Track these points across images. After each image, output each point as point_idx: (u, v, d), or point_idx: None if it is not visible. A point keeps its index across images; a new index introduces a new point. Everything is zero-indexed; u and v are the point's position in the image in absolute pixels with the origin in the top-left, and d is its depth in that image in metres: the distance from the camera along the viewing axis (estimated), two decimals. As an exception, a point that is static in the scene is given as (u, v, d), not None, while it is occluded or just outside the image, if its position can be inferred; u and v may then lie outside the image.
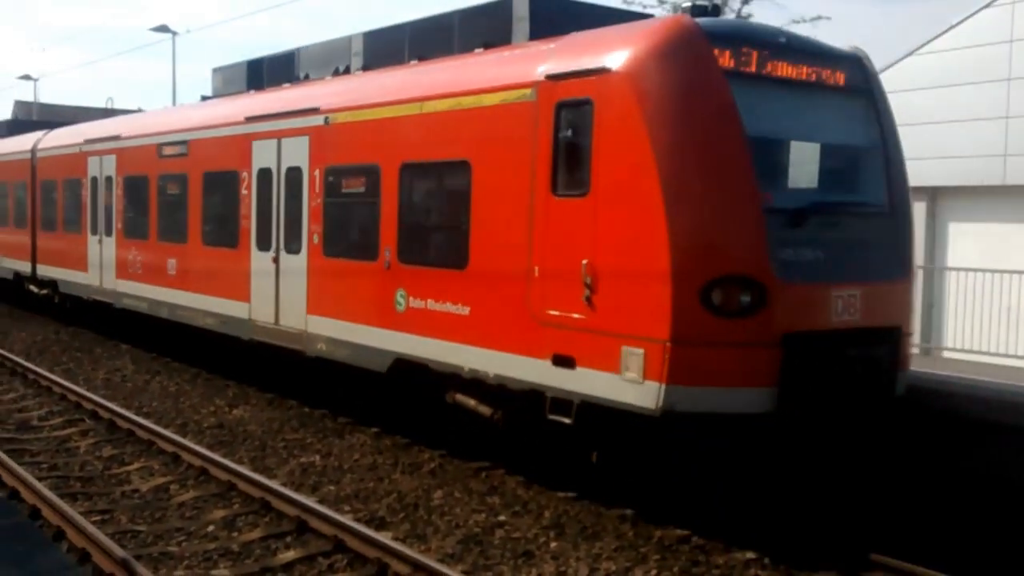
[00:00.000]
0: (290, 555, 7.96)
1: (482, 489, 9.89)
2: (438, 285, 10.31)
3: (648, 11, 24.35)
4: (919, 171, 19.06)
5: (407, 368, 10.78)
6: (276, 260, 13.09)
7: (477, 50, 10.81)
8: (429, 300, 10.41)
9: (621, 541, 8.48)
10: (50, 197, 21.55)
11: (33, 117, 48.06)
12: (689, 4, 9.15)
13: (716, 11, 9.37)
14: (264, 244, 13.39)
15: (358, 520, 8.63)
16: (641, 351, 8.07)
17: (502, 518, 9.01)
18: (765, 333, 8.03)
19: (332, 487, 9.87)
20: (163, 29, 33.10)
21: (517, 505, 9.40)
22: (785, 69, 8.86)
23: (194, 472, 10.24)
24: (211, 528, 8.63)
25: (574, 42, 9.26)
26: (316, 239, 12.30)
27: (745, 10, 26.40)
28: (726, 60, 8.43)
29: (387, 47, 12.41)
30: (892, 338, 8.93)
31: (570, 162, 8.79)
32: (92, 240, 18.97)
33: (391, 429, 12.08)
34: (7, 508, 7.76)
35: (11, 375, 15.70)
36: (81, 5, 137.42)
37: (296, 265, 12.66)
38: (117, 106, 60.04)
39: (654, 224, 8.01)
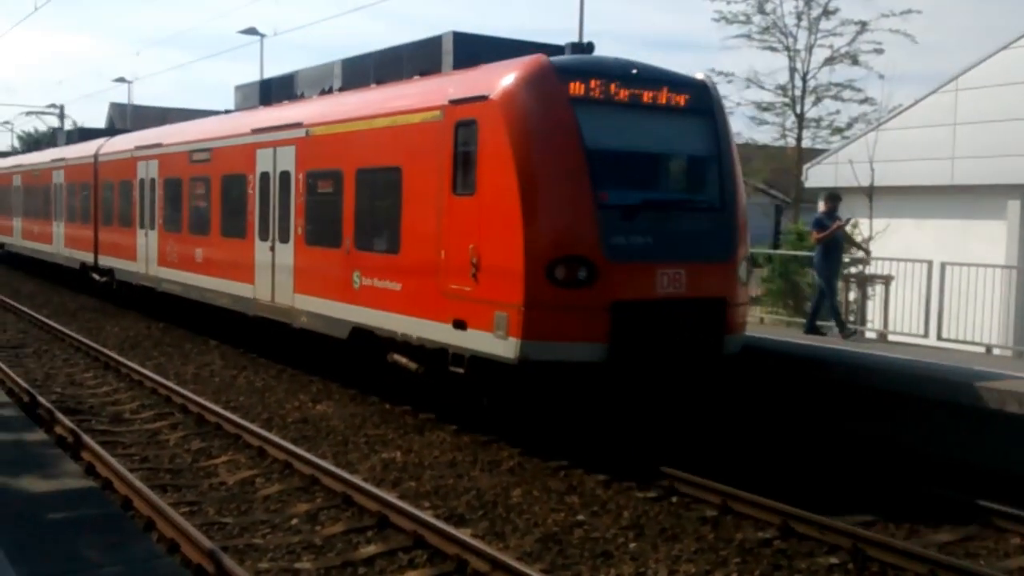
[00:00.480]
0: (371, 549, 8.08)
1: (561, 488, 9.91)
2: (380, 267, 12.82)
3: None
4: (1012, 168, 18.68)
5: (361, 335, 13.25)
6: (272, 249, 15.65)
7: (415, 77, 13.23)
8: (375, 279, 12.94)
9: (701, 543, 8.43)
10: (109, 196, 24.22)
11: (127, 118, 49.44)
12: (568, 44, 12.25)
13: (591, 48, 12.26)
14: (264, 235, 15.95)
15: (438, 516, 8.71)
16: (506, 314, 10.42)
17: (581, 517, 9.02)
18: (597, 301, 10.32)
19: (412, 483, 9.99)
20: (251, 32, 33.78)
21: (596, 505, 9.40)
22: (628, 94, 11.11)
23: (279, 466, 10.44)
24: (295, 521, 8.79)
25: (470, 75, 11.70)
26: (300, 231, 14.84)
27: (833, 4, 26.00)
28: (575, 89, 10.72)
29: (358, 72, 14.92)
30: (717, 307, 11.12)
31: (464, 169, 11.14)
32: (140, 233, 21.73)
33: (470, 427, 12.19)
34: (101, 498, 7.99)
35: (105, 369, 16.19)
36: (174, 9, 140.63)
37: (286, 253, 15.25)
38: (209, 107, 61.02)
39: (513, 217, 10.37)
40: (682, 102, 11.58)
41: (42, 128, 72.58)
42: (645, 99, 11.30)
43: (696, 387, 11.53)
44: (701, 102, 11.77)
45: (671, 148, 11.85)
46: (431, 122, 11.81)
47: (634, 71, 11.33)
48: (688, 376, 11.22)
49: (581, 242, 10.39)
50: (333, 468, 9.91)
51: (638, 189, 11.15)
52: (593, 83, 10.91)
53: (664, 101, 11.44)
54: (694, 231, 11.29)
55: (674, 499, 9.65)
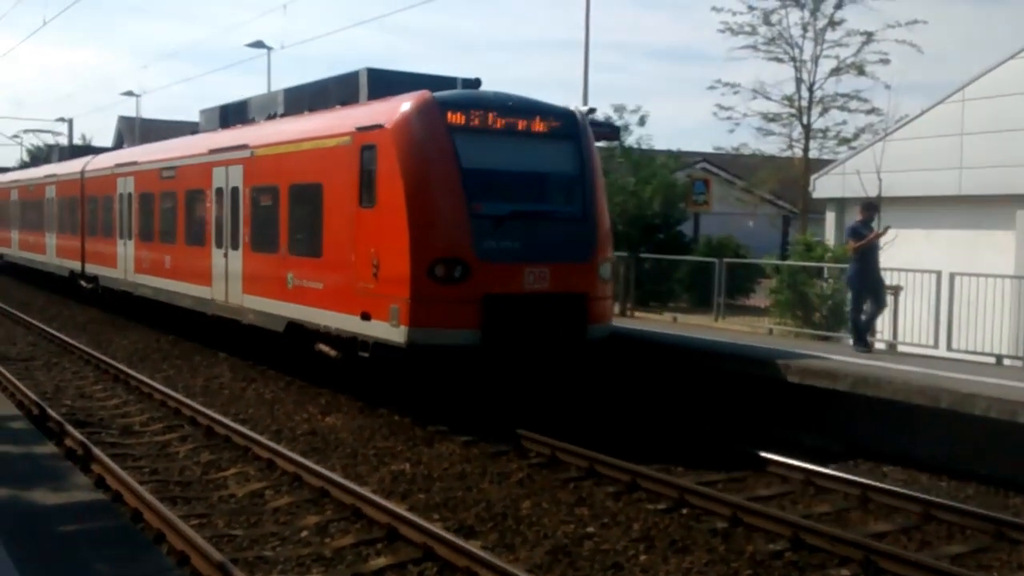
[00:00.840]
0: (381, 562, 8.06)
1: (571, 500, 9.89)
2: (308, 269, 14.85)
3: None
4: (1021, 178, 18.63)
5: (294, 328, 15.23)
6: (226, 255, 17.68)
7: (337, 107, 15.19)
8: (303, 280, 14.95)
9: (712, 555, 8.40)
10: (94, 209, 26.37)
11: (136, 131, 49.61)
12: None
13: (477, 83, 14.83)
14: (219, 243, 17.99)
15: (447, 528, 8.70)
16: (397, 307, 12.37)
17: (591, 529, 8.99)
18: (470, 294, 12.27)
19: (422, 495, 9.97)
20: (258, 45, 33.87)
21: (606, 517, 9.37)
22: (503, 123, 13.06)
23: (288, 478, 10.44)
24: (304, 533, 8.78)
25: (373, 107, 13.84)
26: (247, 239, 16.91)
27: (838, 15, 25.93)
28: (453, 119, 12.69)
29: (297, 101, 17.04)
30: (579, 300, 13.01)
31: (367, 185, 13.14)
32: (119, 243, 23.88)
33: (480, 438, 12.17)
34: (110, 511, 8.00)
35: (114, 381, 16.21)
36: (181, 23, 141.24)
37: (237, 259, 17.30)
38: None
39: (401, 225, 12.35)
40: (551, 129, 13.55)
41: (50, 142, 72.80)
42: (519, 127, 13.28)
43: (562, 368, 13.39)
44: (568, 129, 13.68)
45: (539, 167, 13.66)
46: (343, 146, 13.82)
47: (509, 103, 13.35)
48: (554, 358, 13.09)
49: (456, 245, 12.43)
50: (342, 480, 9.90)
51: (508, 202, 12.99)
52: (471, 113, 12.92)
53: (535, 128, 13.39)
54: (558, 237, 13.21)
55: (684, 511, 9.61)
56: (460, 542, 8.12)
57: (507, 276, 12.58)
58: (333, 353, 14.26)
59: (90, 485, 8.84)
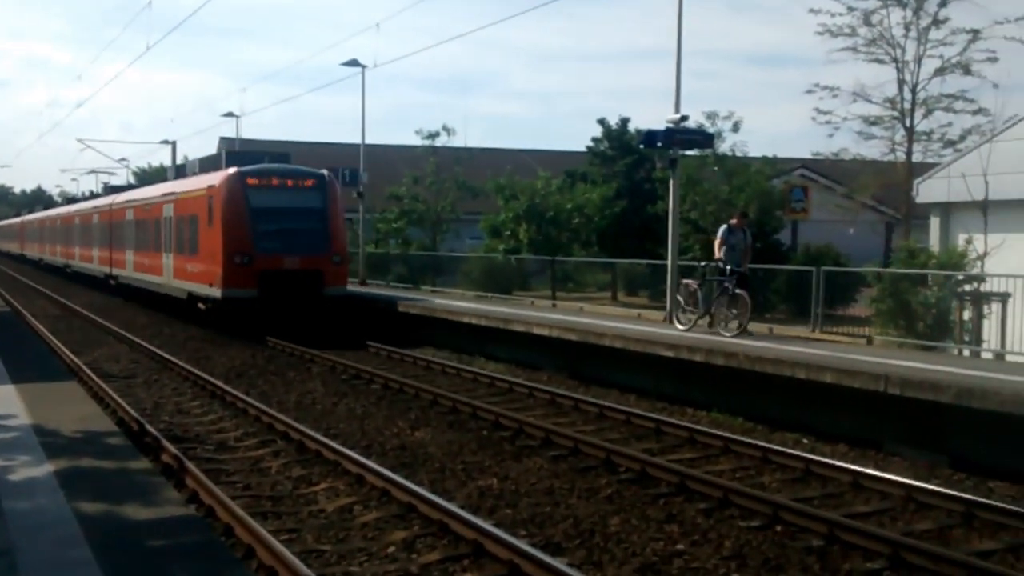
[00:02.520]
0: (466, 579, 7.98)
1: (660, 516, 9.67)
2: (192, 262, 26.56)
3: None
4: None
5: (188, 296, 27.11)
6: (168, 256, 29.59)
7: (210, 171, 27.30)
8: (191, 268, 26.78)
9: (807, 574, 8.11)
10: (117, 230, 38.72)
11: (236, 151, 50.81)
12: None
13: (287, 157, 28.43)
14: (167, 250, 29.72)
15: (534, 545, 8.57)
16: (219, 277, 24.27)
17: (680, 547, 8.77)
18: (253, 271, 23.80)
19: (509, 511, 9.87)
20: (353, 63, 34.25)
21: (696, 534, 9.14)
22: (278, 181, 25.29)
23: (376, 493, 10.44)
24: (391, 549, 8.75)
25: (214, 174, 25.87)
26: (174, 246, 28.83)
27: (943, 13, 25.11)
28: (250, 180, 24.79)
29: (201, 166, 30.85)
30: (318, 274, 24.41)
31: (210, 215, 25.18)
32: (128, 253, 36.19)
33: (567, 453, 12.02)
34: (200, 526, 8.08)
35: (211, 397, 16.53)
36: (278, 46, 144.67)
37: (170, 258, 29.31)
38: (315, 139, 62.87)
39: (219, 236, 24.31)
40: (310, 183, 25.71)
41: (155, 164, 75.17)
42: (288, 183, 25.57)
43: (310, 312, 24.92)
44: (319, 183, 25.78)
45: (298, 204, 25.39)
46: (203, 194, 26.20)
47: (283, 170, 26.09)
48: (303, 306, 24.70)
49: (245, 246, 24.24)
50: (430, 495, 9.85)
51: (276, 223, 24.77)
52: (259, 177, 25.19)
53: (297, 184, 25.70)
54: (306, 240, 24.89)
55: (778, 528, 9.32)
56: (547, 559, 7.98)
57: (274, 261, 24.28)
58: (202, 307, 26.22)
59: (181, 500, 8.95)
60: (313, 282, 24.36)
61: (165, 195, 30.97)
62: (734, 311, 17.60)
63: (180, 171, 37.50)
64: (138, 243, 34.07)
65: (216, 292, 24.48)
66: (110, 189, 53.39)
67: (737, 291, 17.51)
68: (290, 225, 24.79)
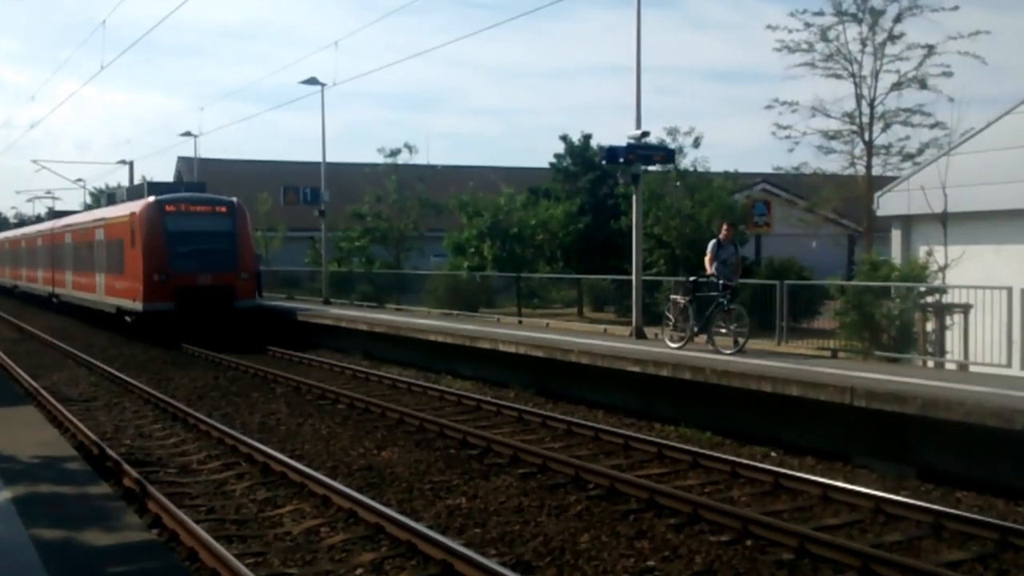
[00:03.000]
0: (436, 600, 7.86)
1: (630, 533, 9.61)
2: (119, 280, 30.13)
3: None
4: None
5: (117, 310, 30.23)
6: (100, 275, 33.00)
7: (136, 199, 30.58)
8: (119, 285, 30.35)
9: (778, 588, 8.06)
10: (59, 253, 41.99)
11: (194, 172, 50.45)
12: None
13: (202, 187, 34.22)
14: (99, 269, 33.34)
15: (504, 564, 8.47)
16: (140, 294, 27.84)
17: (651, 563, 8.70)
18: (170, 287, 27.44)
19: (478, 530, 9.77)
20: (312, 82, 34.10)
21: (667, 550, 9.08)
22: (194, 208, 29.25)
23: (343, 514, 10.29)
24: (359, 571, 8.61)
25: (137, 202, 30.09)
26: (105, 266, 32.27)
27: (897, 28, 25.42)
28: (168, 208, 28.55)
29: (129, 194, 35.46)
30: (229, 288, 28.20)
31: (132, 238, 28.92)
32: (67, 273, 39.78)
33: (536, 471, 11.93)
34: (162, 551, 7.92)
35: (173, 420, 16.28)
36: (236, 65, 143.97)
37: (103, 277, 32.72)
38: (273, 157, 62.65)
39: (140, 257, 27.98)
40: (219, 210, 29.23)
41: (112, 184, 74.61)
42: (200, 209, 29.12)
43: (222, 321, 28.21)
44: (229, 209, 29.29)
45: (209, 228, 28.73)
46: (127, 220, 29.73)
47: (196, 198, 29.97)
48: (215, 317, 27.98)
49: (163, 265, 27.46)
50: (398, 516, 9.73)
51: (190, 244, 27.90)
52: (175, 205, 28.67)
53: (209, 210, 29.28)
54: (217, 259, 28.19)
55: (748, 542, 9.28)
56: (516, 578, 7.89)
57: (189, 278, 27.69)
58: (128, 319, 29.56)
59: (143, 525, 8.77)
60: (224, 296, 28.26)
61: (96, 220, 35.04)
62: (732, 327, 17.00)
63: (111, 199, 39.71)
64: (75, 264, 37.98)
65: (139, 306, 28.10)
66: (53, 214, 56.24)
67: (733, 306, 17.08)
68: (203, 246, 28.28)
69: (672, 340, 18.08)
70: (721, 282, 17.09)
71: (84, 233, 36.53)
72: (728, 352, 16.52)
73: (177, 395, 18.66)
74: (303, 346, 27.17)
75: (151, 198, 29.12)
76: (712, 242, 17.74)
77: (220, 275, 28.20)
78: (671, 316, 18.44)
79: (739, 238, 29.28)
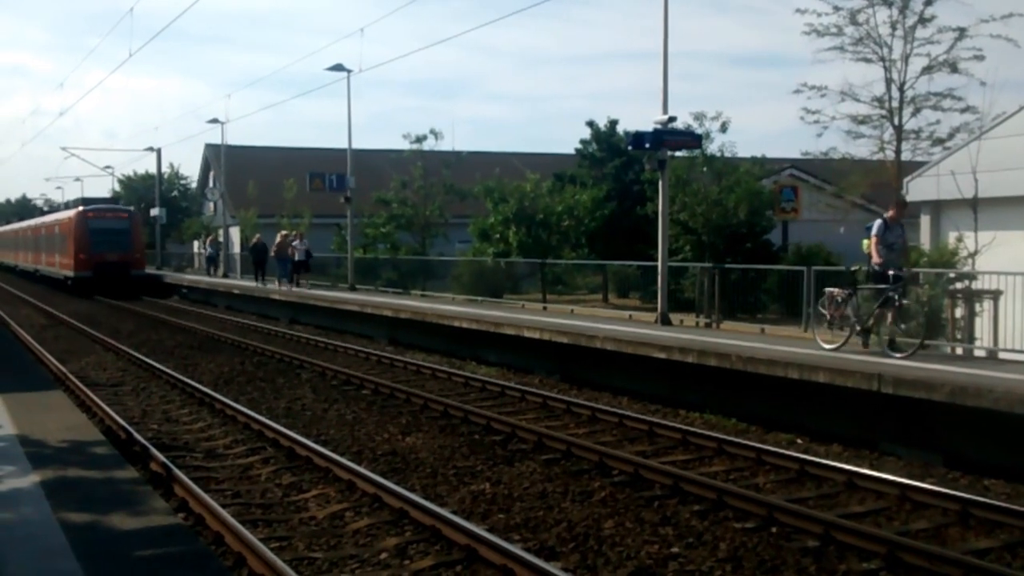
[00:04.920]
0: (459, 585, 7.87)
1: (655, 519, 9.58)
2: (63, 259, 51.11)
3: None
4: None
5: (64, 278, 50.86)
6: (55, 256, 53.47)
7: (79, 208, 50.57)
8: (62, 260, 51.55)
9: (803, 575, 8.02)
10: (40, 241, 59.91)
11: (221, 159, 50.66)
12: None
13: (116, 201, 62.52)
14: (54, 252, 53.90)
15: (528, 550, 8.47)
16: (72, 266, 48.73)
17: (675, 550, 8.68)
18: (90, 262, 47.40)
19: (502, 515, 9.77)
20: (338, 68, 34.13)
21: (691, 536, 9.05)
22: (106, 215, 49.61)
23: (368, 499, 10.33)
24: (383, 555, 8.64)
25: (76, 209, 50.37)
26: (58, 249, 52.82)
27: (929, 11, 25.08)
28: (89, 214, 48.61)
29: (72, 205, 55.53)
30: (127, 263, 48.13)
31: (71, 232, 49.00)
32: (42, 255, 58.35)
33: (560, 457, 11.92)
34: (188, 535, 7.96)
35: (199, 405, 16.39)
36: (263, 52, 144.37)
37: (57, 256, 53.18)
38: (301, 144, 62.93)
39: (72, 244, 48.67)
40: (121, 215, 50.24)
41: (140, 171, 75.23)
42: (110, 215, 49.55)
43: (122, 283, 46.62)
44: (129, 215, 50.68)
45: (116, 228, 48.15)
46: (67, 221, 50.26)
47: (109, 208, 51.58)
48: (118, 283, 46.44)
49: (86, 248, 47.39)
50: (422, 501, 9.75)
51: (103, 236, 47.42)
52: (96, 212, 49.11)
53: (116, 216, 49.73)
54: (120, 245, 47.78)
55: (774, 529, 9.24)
56: (541, 563, 7.88)
57: (102, 257, 46.70)
58: (69, 283, 48.54)
59: (169, 509, 8.82)
60: (125, 268, 47.29)
61: (55, 220, 55.96)
62: (903, 326, 14.47)
63: (67, 206, 58.46)
64: (47, 249, 57.20)
65: (72, 274, 48.28)
66: (40, 212, 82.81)
67: (905, 301, 14.46)
68: (111, 238, 47.29)
69: (826, 341, 15.48)
70: (891, 272, 14.47)
71: (48, 228, 57.36)
72: (899, 356, 13.97)
73: (204, 380, 18.78)
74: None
75: (80, 208, 49.50)
76: (877, 223, 14.95)
77: (122, 255, 47.30)
78: (826, 312, 15.72)
79: (766, 223, 28.89)
